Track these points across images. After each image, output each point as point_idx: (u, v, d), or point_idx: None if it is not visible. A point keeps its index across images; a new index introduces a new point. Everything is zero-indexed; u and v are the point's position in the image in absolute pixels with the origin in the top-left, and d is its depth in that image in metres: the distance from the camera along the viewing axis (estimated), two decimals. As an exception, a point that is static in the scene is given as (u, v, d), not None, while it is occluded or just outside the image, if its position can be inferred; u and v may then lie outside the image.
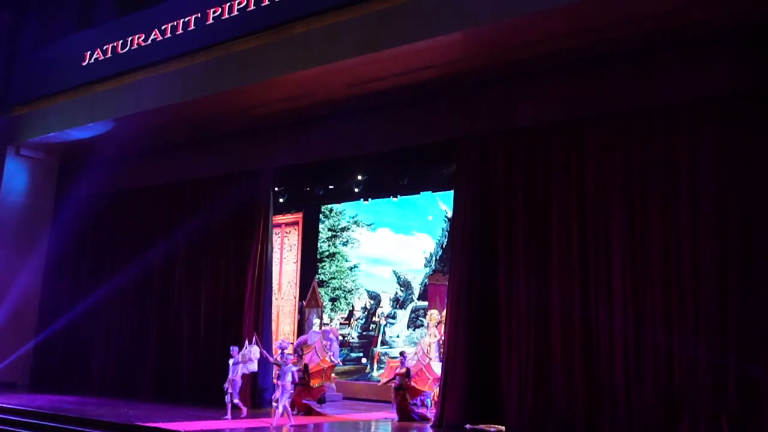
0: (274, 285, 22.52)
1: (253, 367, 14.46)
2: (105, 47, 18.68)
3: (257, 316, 17.23)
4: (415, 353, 15.94)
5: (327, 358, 16.05)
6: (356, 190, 20.11)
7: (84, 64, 19.19)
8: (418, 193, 19.87)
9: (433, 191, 19.71)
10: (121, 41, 18.29)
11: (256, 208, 17.82)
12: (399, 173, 18.63)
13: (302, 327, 21.62)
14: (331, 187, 20.61)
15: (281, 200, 21.98)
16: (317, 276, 22.16)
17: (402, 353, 15.67)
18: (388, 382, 15.68)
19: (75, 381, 20.22)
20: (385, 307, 21.73)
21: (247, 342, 14.80)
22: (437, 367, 15.19)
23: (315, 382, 15.81)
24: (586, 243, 12.59)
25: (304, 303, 21.79)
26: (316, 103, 15.94)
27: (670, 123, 12.12)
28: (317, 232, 22.88)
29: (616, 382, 11.73)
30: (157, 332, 19.12)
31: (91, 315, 20.69)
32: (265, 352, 14.92)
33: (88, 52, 19.05)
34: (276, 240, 22.98)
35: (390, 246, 22.10)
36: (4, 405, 14.57)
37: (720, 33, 11.51)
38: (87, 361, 20.57)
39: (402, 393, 14.83)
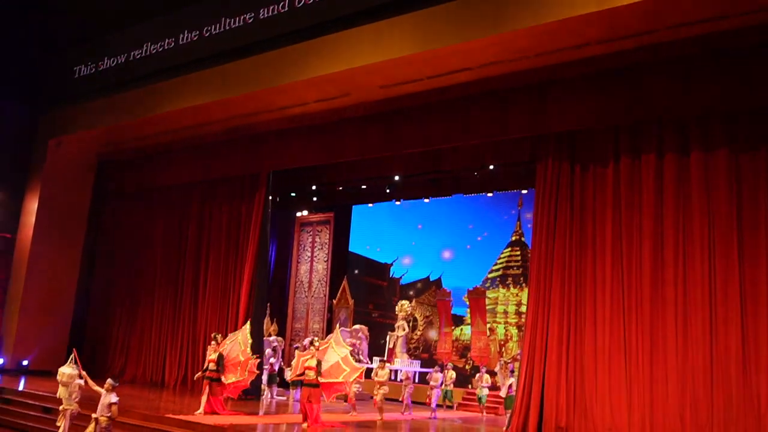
0: (304, 283, 22.84)
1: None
2: (145, 46, 18.99)
3: (247, 312, 17.53)
4: (329, 343, 13.64)
5: (248, 350, 13.93)
6: (387, 190, 20.22)
7: (124, 62, 19.53)
8: (450, 195, 19.91)
9: (465, 194, 19.73)
10: (162, 41, 18.57)
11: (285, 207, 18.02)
12: (432, 175, 18.67)
13: (332, 325, 21.79)
14: (363, 187, 20.72)
15: (314, 199, 22.20)
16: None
17: (311, 341, 14.01)
18: (297, 377, 13.04)
19: (107, 371, 20.60)
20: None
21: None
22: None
23: (229, 377, 13.75)
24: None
25: (335, 301, 21.95)
26: (351, 105, 16.08)
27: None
28: (349, 231, 23.00)
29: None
30: (183, 326, 19.40)
31: (122, 308, 21.14)
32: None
33: (130, 51, 19.38)
34: (307, 239, 23.24)
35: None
36: (42, 393, 14.94)
37: (759, 43, 11.36)
38: (117, 352, 20.96)
39: (310, 392, 12.39)
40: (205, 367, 13.81)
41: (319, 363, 12.55)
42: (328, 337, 14.66)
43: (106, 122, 19.73)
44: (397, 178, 19.26)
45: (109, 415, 9.58)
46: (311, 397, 12.36)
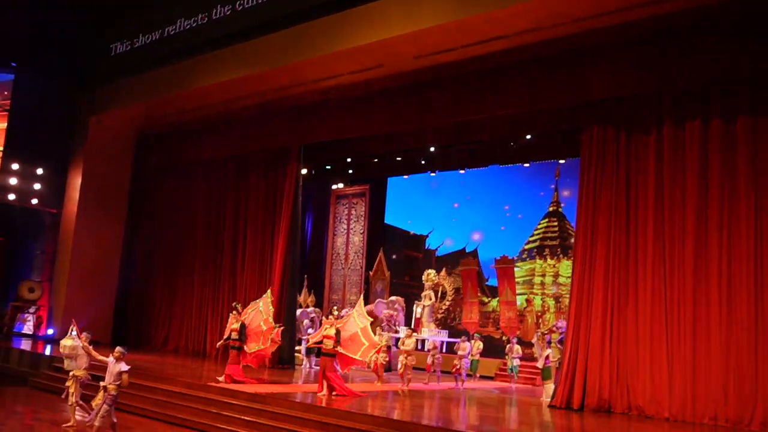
0: (341, 255, 23.05)
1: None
2: (179, 22, 19.12)
3: (282, 284, 17.77)
4: (350, 312, 13.92)
5: (270, 320, 13.91)
6: (423, 162, 20.21)
7: (158, 39, 19.72)
8: (486, 166, 19.84)
9: (501, 164, 19.64)
10: (195, 17, 18.62)
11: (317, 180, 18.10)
12: (467, 146, 18.60)
13: (368, 297, 22.01)
14: (398, 159, 20.73)
15: (350, 171, 22.31)
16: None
17: (331, 310, 13.73)
18: (314, 345, 13.40)
19: (150, 341, 21.15)
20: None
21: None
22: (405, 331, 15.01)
23: (251, 346, 13.83)
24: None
25: (371, 273, 22.14)
26: (384, 76, 16.04)
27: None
28: (384, 203, 23.08)
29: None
30: (223, 297, 19.75)
31: (164, 279, 21.60)
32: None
33: (164, 28, 19.54)
34: (343, 211, 23.42)
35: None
36: (91, 362, 15.37)
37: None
38: (160, 323, 21.45)
39: (328, 361, 12.53)
40: (226, 336, 13.93)
41: (338, 332, 12.48)
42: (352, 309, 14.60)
43: (144, 98, 20.01)
44: (432, 149, 19.22)
45: (118, 383, 9.36)
46: (327, 367, 12.37)
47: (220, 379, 13.32)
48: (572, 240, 20.56)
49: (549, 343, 14.87)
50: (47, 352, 17.65)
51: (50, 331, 21.29)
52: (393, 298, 19.95)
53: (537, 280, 21.34)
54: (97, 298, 21.68)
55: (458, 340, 16.55)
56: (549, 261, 21.21)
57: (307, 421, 10.70)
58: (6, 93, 22.42)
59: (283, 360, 17.35)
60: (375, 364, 14.99)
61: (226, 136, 20.21)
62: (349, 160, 21.43)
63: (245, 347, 13.65)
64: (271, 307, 14.07)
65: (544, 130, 16.29)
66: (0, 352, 18.13)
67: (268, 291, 14.79)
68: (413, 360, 14.66)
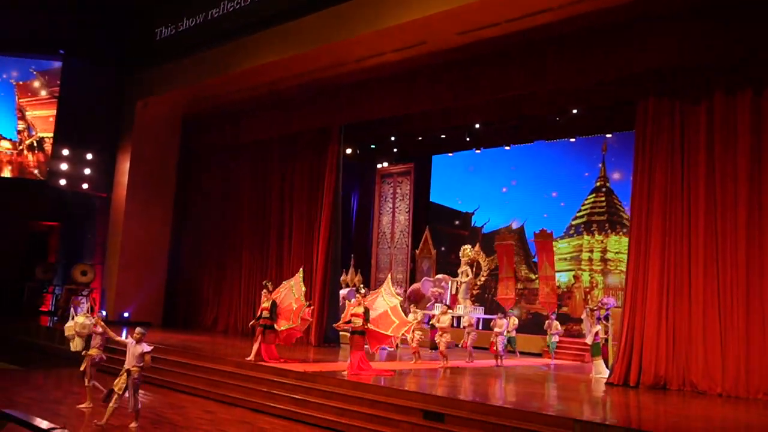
0: (386, 234, 23.06)
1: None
2: (222, 5, 19.20)
3: (325, 264, 17.89)
4: (379, 292, 13.33)
5: (301, 298, 13.68)
6: (467, 139, 20.02)
7: (202, 22, 19.86)
8: (532, 141, 19.56)
9: (547, 140, 19.35)
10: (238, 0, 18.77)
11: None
12: (512, 122, 18.37)
13: (415, 275, 22.02)
14: (442, 136, 20.59)
15: (394, 150, 22.24)
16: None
17: (357, 289, 13.43)
18: (343, 324, 12.87)
19: (200, 322, 21.49)
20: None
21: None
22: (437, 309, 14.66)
23: (282, 324, 13.57)
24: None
25: (417, 251, 22.10)
26: (427, 53, 15.88)
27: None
28: (429, 181, 22.98)
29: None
30: (270, 277, 19.90)
31: (212, 260, 21.90)
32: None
33: (208, 11, 19.67)
34: (388, 190, 23.39)
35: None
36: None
37: None
38: (209, 304, 21.77)
39: (357, 339, 12.31)
40: (258, 314, 13.83)
41: (366, 310, 12.25)
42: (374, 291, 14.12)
43: (189, 82, 20.21)
44: (477, 126, 19.02)
45: (141, 365, 9.08)
46: (354, 345, 12.20)
47: (249, 358, 13.23)
48: (620, 215, 20.25)
49: (598, 319, 14.65)
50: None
51: (103, 313, 21.76)
52: (439, 276, 19.89)
53: (585, 256, 21.01)
54: (148, 280, 22.14)
55: (494, 317, 16.32)
56: (597, 237, 20.85)
57: (355, 398, 10.76)
58: (55, 81, 22.86)
59: (328, 338, 17.49)
60: (416, 342, 14.74)
61: (270, 118, 20.31)
62: (393, 138, 21.35)
63: (275, 326, 13.48)
64: (302, 286, 13.90)
65: (593, 103, 15.95)
66: (56, 335, 18.64)
67: (300, 270, 14.57)
68: (449, 337, 14.20)
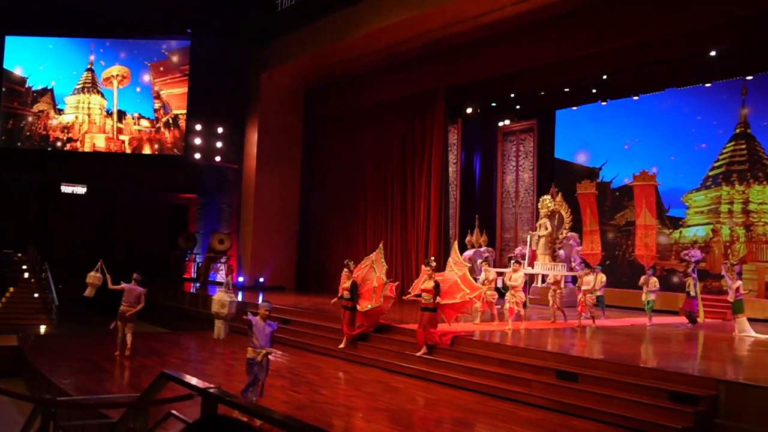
0: (510, 193, 22.74)
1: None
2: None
3: (439, 231, 17.80)
4: (448, 263, 12.49)
5: (383, 276, 12.85)
6: (594, 91, 19.25)
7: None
8: (663, 89, 18.55)
9: (679, 87, 18.27)
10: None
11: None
12: (641, 69, 17.44)
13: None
14: (566, 90, 19.89)
15: (517, 107, 21.76)
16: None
17: (427, 261, 12.22)
18: (413, 297, 12.15)
19: (331, 285, 22.09)
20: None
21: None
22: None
23: (364, 304, 12.77)
24: None
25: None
26: (548, 4, 15.35)
27: None
28: (553, 137, 22.36)
29: None
30: (394, 240, 20.17)
31: (338, 224, 22.43)
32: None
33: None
34: (511, 148, 22.98)
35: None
36: (279, 306, 16.47)
37: None
38: (338, 269, 22.25)
39: (428, 316, 11.54)
40: (340, 295, 13.12)
41: (437, 285, 11.48)
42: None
43: (310, 50, 20.60)
44: (605, 77, 18.23)
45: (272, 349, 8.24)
46: (427, 323, 11.48)
47: (341, 347, 13.00)
48: (764, 163, 18.88)
49: (739, 274, 13.80)
50: (239, 298, 19.06)
51: (240, 279, 22.93)
52: (567, 234, 19.37)
53: (724, 208, 19.80)
54: (280, 246, 23.04)
55: (579, 270, 15.13)
56: (737, 187, 19.57)
57: (486, 358, 10.79)
58: (185, 59, 23.92)
59: None
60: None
61: (387, 81, 20.42)
62: (513, 95, 20.87)
63: (357, 306, 12.77)
64: (384, 264, 13.15)
65: (729, 44, 14.84)
66: (199, 300, 19.84)
67: (380, 246, 13.80)
68: (522, 297, 13.32)
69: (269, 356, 8.20)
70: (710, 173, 20.28)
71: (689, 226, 19.49)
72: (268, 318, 8.25)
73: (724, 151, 20.26)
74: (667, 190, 19.67)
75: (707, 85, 18.24)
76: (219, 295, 8.51)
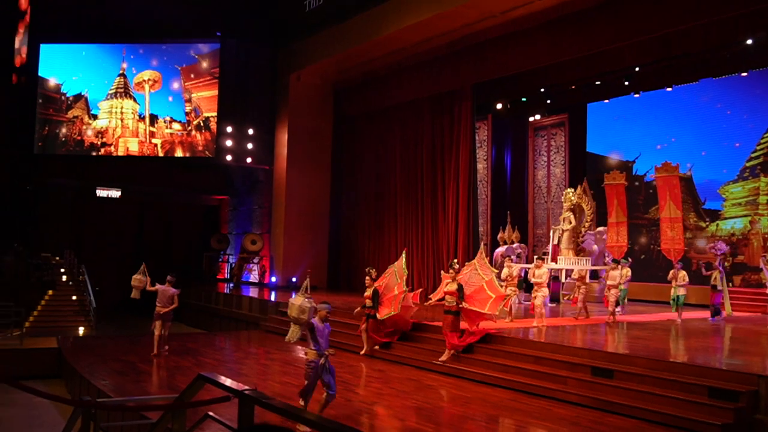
0: (542, 188, 22.55)
1: None
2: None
3: (468, 229, 17.76)
4: (473, 265, 12.05)
5: (402, 284, 12.67)
6: (626, 83, 19.00)
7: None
8: (696, 80, 18.24)
9: (714, 77, 17.95)
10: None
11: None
12: (674, 60, 17.18)
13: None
14: (597, 83, 19.66)
15: (547, 102, 21.58)
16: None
17: (451, 264, 11.86)
18: (436, 301, 12.04)
19: (360, 284, 22.11)
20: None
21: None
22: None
23: (384, 312, 12.63)
24: None
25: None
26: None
27: None
28: (585, 131, 22.12)
29: None
30: (424, 240, 20.13)
31: (368, 223, 22.43)
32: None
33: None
34: (542, 143, 22.80)
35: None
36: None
37: None
38: (368, 266, 22.27)
39: (451, 319, 11.32)
40: (363, 303, 13.06)
41: (460, 287, 11.23)
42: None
43: (338, 50, 20.64)
44: (637, 69, 17.97)
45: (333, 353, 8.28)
46: (450, 326, 11.27)
47: (363, 353, 12.93)
48: (803, 152, 18.47)
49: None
50: (273, 298, 19.20)
51: (273, 279, 23.09)
52: (600, 228, 19.13)
53: (762, 199, 19.41)
54: (312, 246, 23.12)
55: (603, 268, 14.75)
56: (776, 178, 19.21)
57: (520, 355, 10.72)
58: (215, 62, 24.13)
59: None
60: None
61: (415, 79, 20.34)
62: (543, 90, 20.68)
63: (377, 314, 12.65)
64: (405, 271, 12.94)
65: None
66: (233, 300, 20.03)
67: (403, 253, 13.48)
68: (545, 293, 13.08)
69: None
70: (747, 164, 19.89)
71: (726, 218, 19.15)
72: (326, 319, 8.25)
73: (762, 141, 19.86)
74: (702, 182, 19.37)
75: (743, 74, 17.89)
76: (299, 300, 8.54)
